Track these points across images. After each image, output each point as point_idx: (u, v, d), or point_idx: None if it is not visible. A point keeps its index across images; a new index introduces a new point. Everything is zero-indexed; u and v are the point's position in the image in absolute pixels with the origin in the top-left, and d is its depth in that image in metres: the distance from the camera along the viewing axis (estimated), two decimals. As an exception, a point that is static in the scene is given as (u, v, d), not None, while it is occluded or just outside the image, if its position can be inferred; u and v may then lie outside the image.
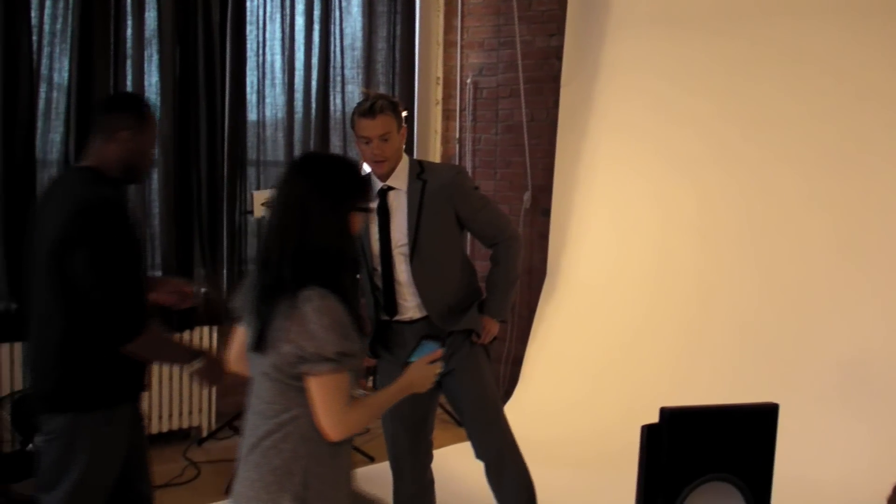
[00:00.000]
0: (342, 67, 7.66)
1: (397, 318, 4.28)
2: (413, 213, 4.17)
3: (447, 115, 8.33)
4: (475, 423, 4.37)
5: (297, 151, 7.25)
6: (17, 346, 5.90)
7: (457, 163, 4.07)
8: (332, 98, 7.52)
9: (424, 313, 4.26)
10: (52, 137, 6.10)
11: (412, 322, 4.28)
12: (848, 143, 6.21)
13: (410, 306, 4.26)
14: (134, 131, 3.64)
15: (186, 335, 6.65)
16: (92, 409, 3.56)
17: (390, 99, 4.20)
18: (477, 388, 4.33)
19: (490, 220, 4.34)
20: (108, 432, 3.62)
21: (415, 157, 6.74)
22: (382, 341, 4.36)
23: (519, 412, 6.45)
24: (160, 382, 6.56)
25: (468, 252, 4.58)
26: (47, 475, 3.62)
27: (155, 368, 6.52)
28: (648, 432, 2.39)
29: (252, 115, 7.10)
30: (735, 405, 2.52)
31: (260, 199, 6.30)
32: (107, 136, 3.61)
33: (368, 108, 4.14)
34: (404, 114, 4.25)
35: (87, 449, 3.58)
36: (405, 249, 4.18)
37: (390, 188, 4.22)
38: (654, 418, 2.51)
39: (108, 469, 3.67)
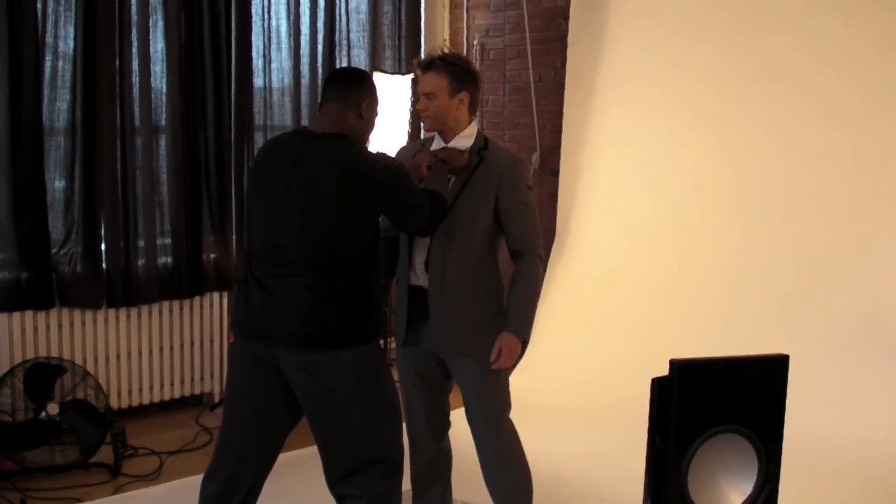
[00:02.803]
0: (348, 31, 7.63)
1: (417, 282, 4.24)
2: (457, 184, 4.11)
3: (454, 78, 8.28)
4: (471, 426, 4.35)
5: (305, 116, 7.24)
6: (28, 315, 5.93)
7: (472, 123, 4.07)
8: (338, 62, 7.48)
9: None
10: (58, 106, 6.09)
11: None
12: (863, 95, 6.15)
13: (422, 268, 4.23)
14: (370, 101, 3.90)
15: (196, 301, 6.66)
16: (370, 342, 3.87)
17: (454, 62, 4.15)
18: (476, 401, 4.29)
19: (524, 223, 4.18)
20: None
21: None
22: (409, 314, 4.27)
23: (530, 373, 6.44)
24: (171, 349, 6.59)
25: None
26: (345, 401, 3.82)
27: (166, 336, 6.55)
28: (659, 385, 2.38)
29: (258, 81, 7.07)
30: (745, 357, 2.50)
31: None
32: (345, 106, 3.84)
33: (421, 62, 4.18)
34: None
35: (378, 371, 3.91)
36: None
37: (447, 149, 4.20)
38: (664, 373, 2.50)
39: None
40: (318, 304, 3.69)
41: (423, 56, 4.25)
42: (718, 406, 2.44)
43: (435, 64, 4.13)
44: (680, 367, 2.38)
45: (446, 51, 4.24)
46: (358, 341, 3.77)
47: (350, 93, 3.86)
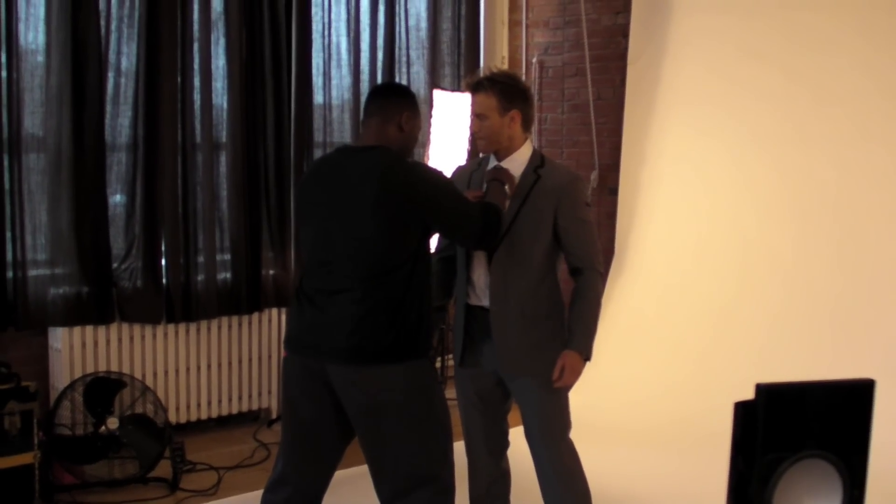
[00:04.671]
0: (407, 48, 7.64)
1: (476, 302, 4.22)
2: (516, 201, 4.09)
3: (513, 96, 8.28)
4: (531, 445, 4.31)
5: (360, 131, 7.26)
6: (89, 329, 5.97)
7: (528, 141, 4.05)
8: (397, 79, 7.50)
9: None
10: (120, 122, 6.15)
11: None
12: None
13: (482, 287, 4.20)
14: (410, 114, 3.93)
15: (255, 317, 6.68)
16: (421, 357, 3.85)
17: (502, 80, 4.14)
18: (536, 420, 4.24)
19: (583, 240, 4.14)
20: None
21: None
22: (467, 334, 4.25)
23: (589, 392, 6.40)
24: (229, 365, 6.60)
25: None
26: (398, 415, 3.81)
27: (224, 352, 6.56)
28: (743, 409, 2.35)
29: (318, 98, 7.09)
30: (830, 381, 2.46)
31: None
32: (386, 119, 3.89)
33: (470, 82, 4.19)
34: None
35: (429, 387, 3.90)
36: None
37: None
38: (729, 398, 2.47)
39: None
40: (366, 318, 3.69)
41: (472, 77, 4.25)
42: (803, 431, 2.41)
43: (483, 84, 4.13)
44: (767, 392, 2.35)
45: (494, 70, 4.25)
46: (408, 356, 3.76)
47: (390, 106, 3.90)
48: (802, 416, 2.43)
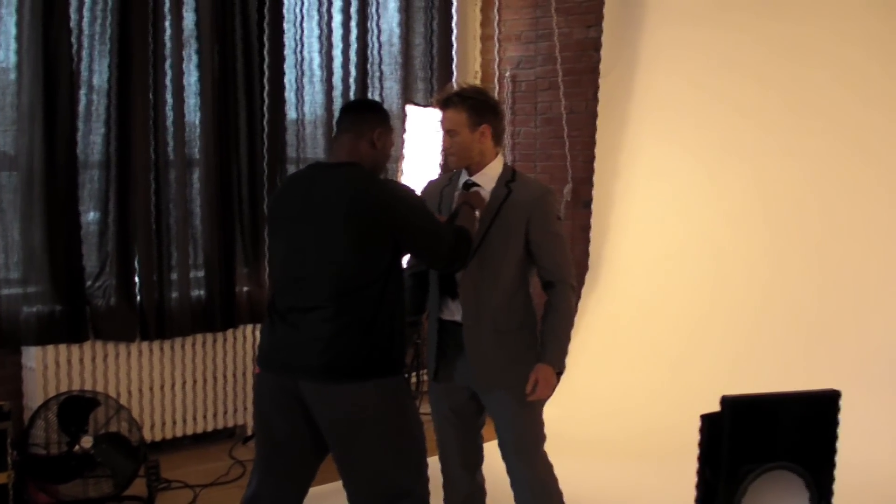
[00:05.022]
0: (380, 63, 7.65)
1: (449, 316, 4.22)
2: (488, 216, 4.09)
3: (486, 110, 8.30)
4: (505, 459, 4.32)
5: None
6: (63, 348, 5.95)
7: (499, 155, 4.05)
8: (370, 94, 7.50)
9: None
10: (92, 140, 6.13)
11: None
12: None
13: (455, 302, 4.21)
14: (382, 130, 3.94)
15: (229, 333, 6.66)
16: (394, 373, 3.84)
17: (471, 96, 4.15)
18: (511, 434, 4.25)
19: (555, 254, 4.16)
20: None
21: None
22: (440, 349, 4.25)
23: (564, 405, 6.42)
24: (204, 382, 6.58)
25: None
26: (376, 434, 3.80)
27: (199, 369, 6.54)
28: (709, 421, 2.36)
29: (291, 113, 7.09)
30: (796, 392, 2.48)
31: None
32: (358, 135, 3.89)
33: (439, 99, 4.20)
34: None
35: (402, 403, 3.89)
36: None
37: (474, 184, 4.18)
38: (703, 409, 2.48)
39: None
40: (338, 335, 3.69)
41: (441, 94, 4.25)
42: (769, 442, 2.43)
43: (452, 100, 4.14)
44: (732, 404, 2.36)
45: (464, 86, 4.25)
46: (381, 373, 3.75)
47: (362, 122, 3.90)
48: (769, 428, 2.45)
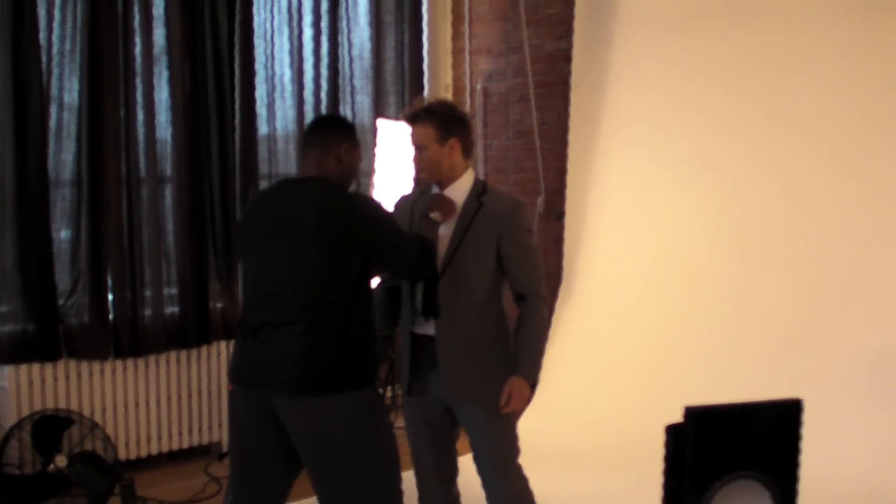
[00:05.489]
0: (351, 78, 7.67)
1: (422, 330, 4.23)
2: (459, 230, 4.10)
3: (458, 122, 8.32)
4: (480, 472, 4.33)
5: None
6: (36, 367, 5.93)
7: (469, 168, 4.06)
8: (341, 109, 7.52)
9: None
10: (63, 157, 6.12)
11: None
12: (874, 135, 6.16)
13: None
14: (349, 146, 3.96)
15: (203, 350, 6.65)
16: (365, 387, 3.85)
17: (438, 110, 4.16)
18: (485, 447, 4.25)
19: (526, 267, 4.17)
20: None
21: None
22: (413, 362, 4.26)
23: (538, 417, 6.44)
24: (179, 399, 6.57)
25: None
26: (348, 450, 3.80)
27: (174, 386, 6.53)
28: (674, 432, 2.37)
29: (263, 129, 7.09)
30: (759, 402, 2.50)
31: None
32: (325, 151, 3.90)
33: (407, 114, 4.20)
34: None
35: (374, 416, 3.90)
36: (440, 262, 4.11)
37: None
38: (676, 419, 2.49)
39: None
40: (309, 349, 3.69)
41: (409, 109, 4.26)
42: (734, 452, 2.44)
43: (420, 115, 4.14)
44: (695, 415, 2.38)
45: (432, 101, 4.26)
46: (353, 386, 3.76)
47: (329, 138, 3.92)
48: (733, 438, 2.47)
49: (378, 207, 3.90)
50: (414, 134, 4.16)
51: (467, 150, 4.22)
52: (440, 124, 4.11)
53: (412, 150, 4.20)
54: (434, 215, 4.09)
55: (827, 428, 5.33)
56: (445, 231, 4.11)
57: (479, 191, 4.19)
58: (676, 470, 2.44)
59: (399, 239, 3.87)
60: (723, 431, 2.48)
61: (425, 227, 4.07)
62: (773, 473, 2.54)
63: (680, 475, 2.43)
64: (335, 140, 3.91)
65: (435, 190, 4.23)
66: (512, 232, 4.13)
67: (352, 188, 4.09)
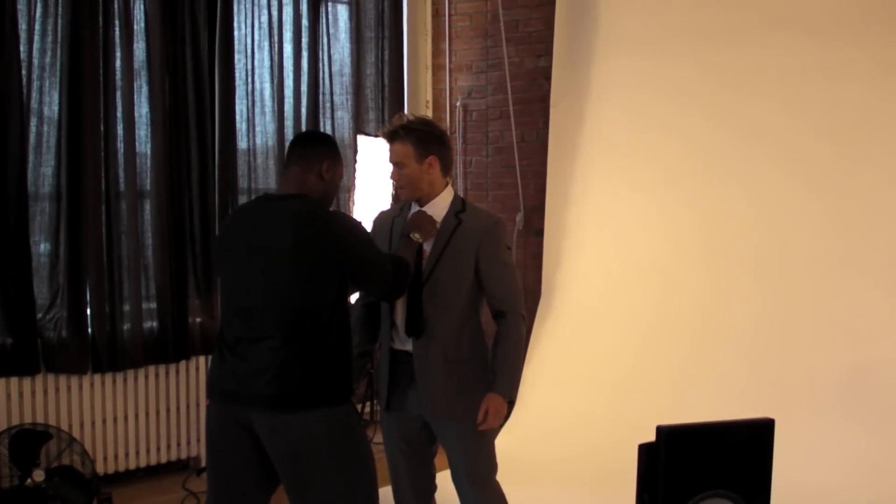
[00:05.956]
0: (331, 94, 7.67)
1: (400, 346, 4.23)
2: (438, 246, 4.12)
3: (438, 139, 8.34)
4: (458, 488, 4.34)
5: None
6: (14, 381, 5.91)
7: (448, 185, 4.07)
8: (321, 124, 7.52)
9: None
10: (43, 171, 6.10)
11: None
12: (840, 158, 6.25)
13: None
14: (331, 163, 3.95)
15: (182, 365, 6.65)
16: (342, 402, 3.84)
17: (417, 128, 4.17)
18: (463, 463, 4.27)
19: (505, 284, 4.20)
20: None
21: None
22: (392, 378, 4.27)
23: (516, 433, 6.45)
24: (157, 414, 6.55)
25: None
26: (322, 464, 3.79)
27: (152, 401, 6.52)
28: (646, 451, 2.39)
29: (242, 144, 7.08)
30: (731, 421, 2.52)
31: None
32: (306, 168, 3.90)
33: (385, 132, 4.22)
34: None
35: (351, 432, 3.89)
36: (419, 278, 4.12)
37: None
38: (652, 437, 2.51)
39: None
40: (286, 365, 3.70)
41: (387, 127, 4.27)
42: (706, 470, 2.46)
43: (398, 133, 4.16)
44: (667, 434, 2.40)
45: (410, 118, 4.27)
46: (329, 401, 3.77)
47: (310, 155, 3.92)
48: (705, 456, 2.49)
49: (357, 226, 3.89)
50: (392, 151, 4.17)
51: (446, 168, 4.24)
52: (418, 142, 4.12)
53: (391, 168, 4.22)
54: (415, 236, 4.10)
55: (797, 443, 5.36)
56: (424, 248, 4.13)
57: (458, 208, 4.20)
58: (649, 488, 2.46)
59: (376, 259, 3.87)
60: (695, 450, 2.50)
61: (404, 247, 4.08)
62: (745, 491, 2.57)
63: (653, 493, 2.45)
64: (317, 157, 3.91)
65: (415, 207, 4.25)
66: (490, 249, 4.15)
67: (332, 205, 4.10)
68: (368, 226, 4.19)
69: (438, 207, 4.19)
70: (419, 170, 4.13)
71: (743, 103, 6.62)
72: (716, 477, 2.45)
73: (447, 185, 4.26)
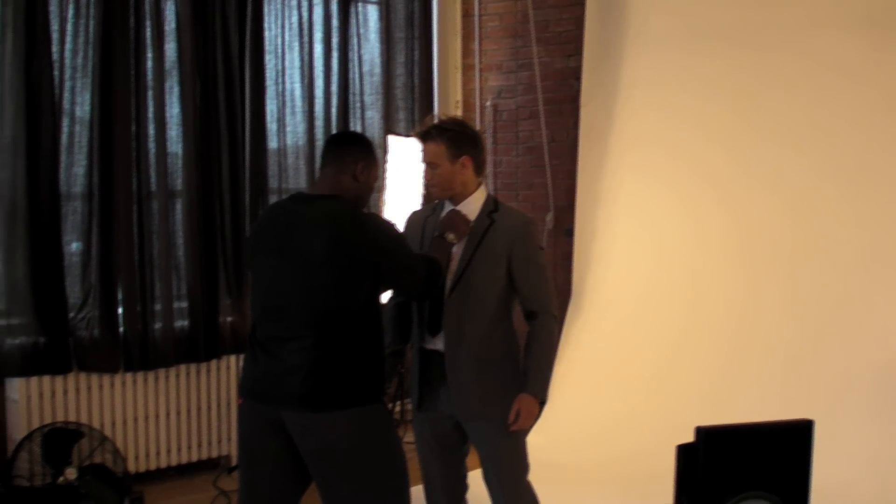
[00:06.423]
0: (361, 94, 7.68)
1: (432, 346, 4.24)
2: (470, 246, 4.11)
3: (467, 139, 8.34)
4: (489, 488, 4.32)
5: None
6: (46, 380, 5.93)
7: (481, 185, 4.07)
8: (351, 124, 7.54)
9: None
10: (75, 171, 6.13)
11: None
12: (874, 153, 6.20)
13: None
14: (365, 165, 3.94)
15: (213, 364, 6.67)
16: (375, 402, 3.84)
17: (450, 128, 4.17)
18: (494, 463, 4.26)
19: (537, 284, 4.18)
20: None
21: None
22: (423, 378, 4.26)
23: (547, 433, 6.43)
24: (188, 413, 6.58)
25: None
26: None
27: (183, 399, 6.54)
28: (684, 452, 2.38)
29: (273, 144, 7.11)
30: (770, 422, 2.51)
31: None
32: (341, 169, 3.90)
33: (419, 132, 4.22)
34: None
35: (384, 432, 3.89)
36: (451, 278, 4.12)
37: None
38: (686, 437, 2.50)
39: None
40: (319, 365, 3.70)
41: (421, 126, 4.28)
42: (744, 471, 2.45)
43: (431, 133, 4.15)
44: (706, 434, 2.39)
45: (443, 118, 4.26)
46: (362, 401, 3.76)
47: (345, 156, 3.91)
48: (743, 457, 2.48)
49: (390, 227, 3.89)
50: (426, 152, 4.17)
51: (479, 168, 4.23)
52: (451, 142, 4.12)
53: (424, 168, 4.22)
54: (450, 237, 4.09)
55: (832, 444, 5.33)
56: (456, 248, 4.12)
57: (491, 207, 4.20)
58: (687, 489, 2.45)
59: (409, 260, 3.87)
60: (734, 451, 2.49)
61: (438, 247, 4.08)
62: (783, 493, 2.55)
63: (691, 494, 2.44)
64: (351, 158, 3.90)
65: (448, 206, 4.24)
66: (523, 249, 4.14)
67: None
68: (400, 226, 4.19)
69: (471, 207, 4.19)
70: (451, 170, 4.13)
71: (775, 101, 6.59)
72: (754, 478, 2.44)
73: (480, 184, 4.25)
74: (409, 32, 7.99)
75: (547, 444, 6.03)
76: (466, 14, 8.36)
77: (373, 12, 7.79)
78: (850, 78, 6.32)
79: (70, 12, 6.05)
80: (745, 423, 2.50)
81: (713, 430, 2.41)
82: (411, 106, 8.01)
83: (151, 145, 6.40)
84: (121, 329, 6.25)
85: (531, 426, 4.18)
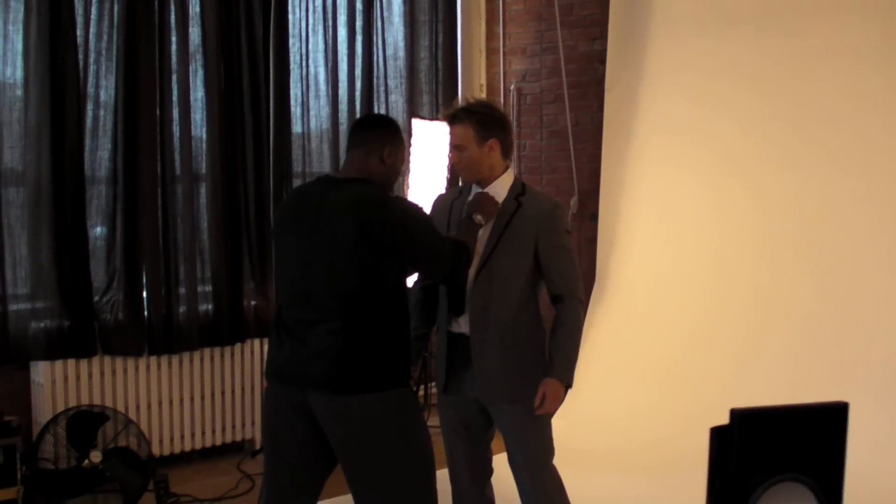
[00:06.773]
0: (385, 77, 7.67)
1: (458, 329, 4.22)
2: (497, 229, 4.10)
3: (492, 123, 8.33)
4: (514, 472, 4.31)
5: (343, 163, 7.26)
6: (71, 363, 5.96)
7: (508, 168, 4.05)
8: (375, 108, 7.53)
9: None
10: (99, 155, 6.15)
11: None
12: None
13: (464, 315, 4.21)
14: (392, 148, 3.92)
15: (237, 347, 6.67)
16: (401, 385, 3.83)
17: (478, 110, 4.15)
18: (519, 447, 4.24)
19: (563, 268, 4.15)
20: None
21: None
22: (449, 361, 4.24)
23: (572, 417, 6.42)
24: (212, 396, 6.59)
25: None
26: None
27: (207, 383, 6.55)
28: (718, 434, 2.37)
29: (297, 128, 7.11)
30: (805, 405, 2.49)
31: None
32: (368, 151, 3.89)
33: (446, 114, 4.20)
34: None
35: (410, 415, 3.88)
36: (477, 261, 4.10)
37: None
38: (710, 421, 2.49)
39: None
40: (345, 348, 3.69)
41: (448, 109, 4.26)
42: (779, 454, 2.43)
43: (459, 116, 4.13)
44: (741, 417, 2.37)
45: (471, 100, 4.24)
46: (388, 385, 3.75)
47: (372, 139, 3.89)
48: (777, 440, 2.45)
49: (418, 211, 3.87)
50: (453, 134, 4.15)
51: (506, 151, 4.21)
52: (479, 125, 4.10)
53: (451, 150, 4.20)
54: (478, 218, 4.07)
55: (865, 429, 5.31)
56: (483, 231, 4.11)
57: (518, 191, 4.18)
58: (721, 471, 2.43)
59: (437, 244, 3.85)
60: (768, 433, 2.47)
61: (466, 229, 4.06)
62: (818, 476, 2.53)
63: (725, 477, 2.42)
64: (378, 142, 3.88)
65: (476, 189, 4.23)
66: (550, 233, 4.11)
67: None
68: (427, 209, 4.17)
69: (498, 190, 4.16)
70: (479, 153, 4.11)
71: (800, 86, 6.54)
72: (788, 461, 2.43)
73: (507, 167, 4.23)
74: (433, 16, 7.98)
75: (571, 427, 6.02)
76: (490, -3, 8.36)
77: (397, -5, 7.78)
78: (874, 63, 6.27)
79: (94, -4, 6.06)
80: (780, 405, 2.48)
81: (748, 413, 2.39)
82: (435, 90, 8.00)
83: (175, 129, 6.41)
84: (145, 312, 6.27)
85: (556, 410, 4.16)
